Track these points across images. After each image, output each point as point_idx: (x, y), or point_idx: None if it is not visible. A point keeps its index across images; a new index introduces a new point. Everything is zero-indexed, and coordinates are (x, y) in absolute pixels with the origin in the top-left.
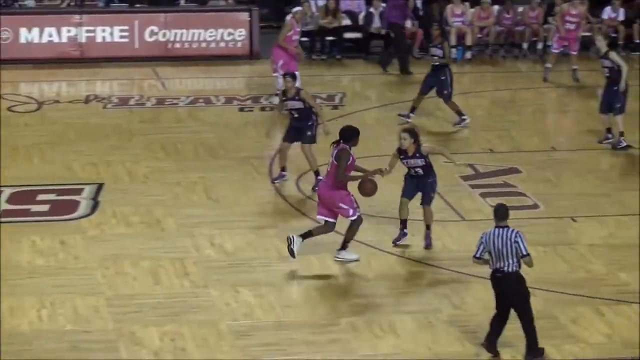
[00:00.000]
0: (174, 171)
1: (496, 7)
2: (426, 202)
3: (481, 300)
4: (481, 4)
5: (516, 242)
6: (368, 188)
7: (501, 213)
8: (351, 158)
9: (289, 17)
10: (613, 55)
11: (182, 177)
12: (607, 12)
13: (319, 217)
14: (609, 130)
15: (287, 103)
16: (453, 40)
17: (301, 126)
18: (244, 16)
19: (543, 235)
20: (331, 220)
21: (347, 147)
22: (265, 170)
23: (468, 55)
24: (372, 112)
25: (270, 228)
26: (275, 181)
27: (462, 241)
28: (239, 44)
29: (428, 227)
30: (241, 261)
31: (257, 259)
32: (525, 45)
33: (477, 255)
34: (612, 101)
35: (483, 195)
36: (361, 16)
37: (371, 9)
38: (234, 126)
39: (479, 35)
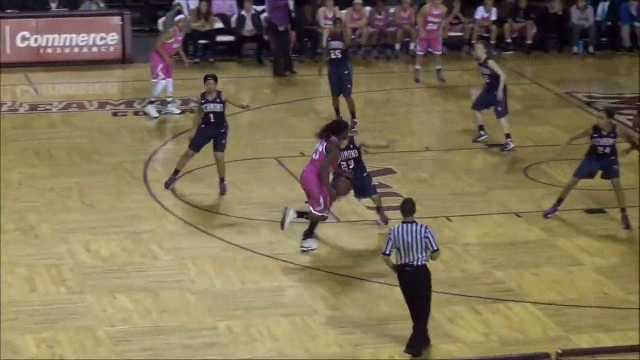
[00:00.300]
0: (48, 177)
1: (368, 9)
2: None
3: (357, 301)
4: (353, 6)
5: (426, 237)
6: (343, 187)
7: (408, 208)
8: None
9: (161, 21)
10: (492, 63)
11: (56, 183)
12: (479, 12)
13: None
14: (481, 127)
15: (207, 106)
16: (325, 42)
17: (215, 134)
18: (116, 20)
19: None
20: None
21: (337, 141)
22: (140, 175)
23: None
24: (246, 115)
25: (145, 233)
26: (169, 186)
27: (338, 243)
28: (112, 49)
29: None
30: (117, 267)
31: (133, 264)
32: (397, 46)
33: (387, 252)
34: (492, 103)
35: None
36: (234, 19)
37: (243, 12)
38: (107, 131)
39: (352, 37)
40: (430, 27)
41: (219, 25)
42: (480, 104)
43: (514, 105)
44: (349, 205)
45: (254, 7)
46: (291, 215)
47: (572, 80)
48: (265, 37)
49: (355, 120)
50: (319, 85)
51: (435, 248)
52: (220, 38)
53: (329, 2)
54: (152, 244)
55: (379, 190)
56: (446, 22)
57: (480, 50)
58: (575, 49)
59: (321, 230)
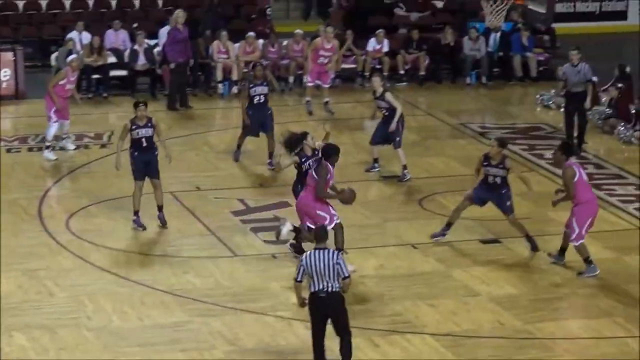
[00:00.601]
0: None
1: (261, 41)
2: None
3: (255, 335)
4: (246, 39)
5: (338, 263)
6: (348, 197)
7: (321, 235)
8: (330, 174)
9: (54, 57)
10: (389, 96)
11: None
12: (371, 44)
13: (305, 225)
14: (376, 160)
15: (139, 131)
16: (219, 75)
17: (150, 157)
18: (9, 56)
19: None
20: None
21: (327, 163)
22: (34, 212)
23: (235, 90)
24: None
25: (41, 270)
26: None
27: (234, 277)
28: (4, 84)
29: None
30: (13, 304)
31: (29, 301)
32: (291, 79)
33: (299, 279)
34: (389, 137)
35: (254, 230)
36: (126, 53)
37: (136, 46)
38: (1, 167)
39: (245, 70)
40: (321, 60)
41: (112, 59)
42: (378, 138)
43: (408, 137)
44: (245, 239)
45: (147, 41)
46: (287, 226)
47: (465, 110)
48: (159, 71)
49: (269, 160)
50: (213, 119)
51: (346, 274)
52: (113, 72)
53: (223, 35)
54: (48, 280)
55: (275, 225)
56: (339, 54)
57: (377, 83)
58: (468, 80)
59: (217, 264)
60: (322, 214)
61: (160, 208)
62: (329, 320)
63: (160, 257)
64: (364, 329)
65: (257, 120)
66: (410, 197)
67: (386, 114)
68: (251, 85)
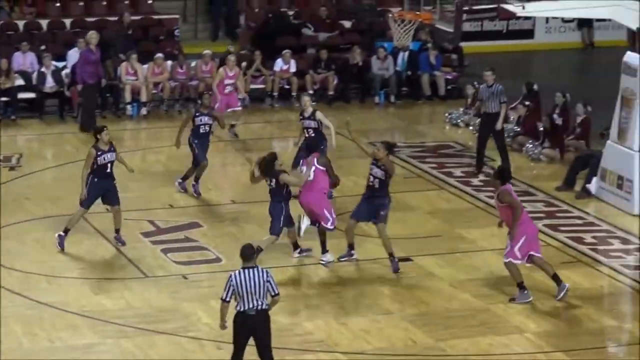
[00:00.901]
0: None
1: (169, 62)
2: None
3: (167, 356)
4: (155, 60)
5: (268, 281)
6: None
7: (248, 253)
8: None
9: None
10: (320, 114)
11: None
12: (278, 64)
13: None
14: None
15: (104, 156)
16: (128, 97)
17: (109, 185)
18: None
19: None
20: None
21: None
22: None
23: (144, 111)
24: (50, 172)
25: None
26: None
27: (145, 298)
28: None
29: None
30: None
31: None
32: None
33: (226, 299)
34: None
35: (165, 251)
36: (34, 76)
37: (43, 69)
38: None
39: (154, 91)
40: (228, 89)
41: (20, 82)
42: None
43: None
44: (156, 260)
45: (54, 63)
46: (305, 222)
47: (374, 129)
48: (67, 93)
49: (180, 180)
50: (122, 140)
51: (276, 292)
52: (22, 95)
53: (132, 57)
54: None
55: (186, 245)
56: (247, 76)
57: (308, 103)
58: (377, 99)
59: (128, 286)
60: (327, 215)
61: (117, 230)
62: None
63: (70, 279)
64: (276, 348)
65: (203, 149)
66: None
67: (312, 134)
68: (197, 114)
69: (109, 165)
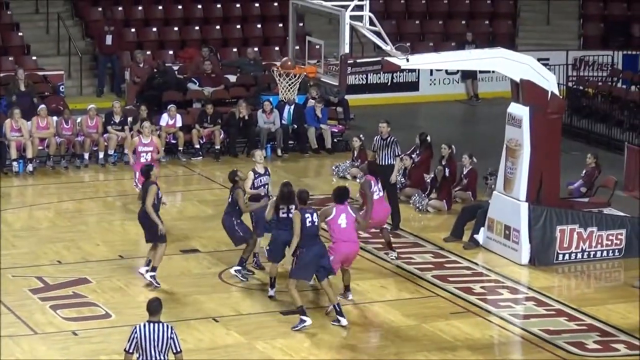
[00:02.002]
0: None
1: (55, 118)
2: None
3: None
4: (38, 113)
5: (172, 338)
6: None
7: (154, 308)
8: None
9: None
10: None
11: None
12: (164, 119)
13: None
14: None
15: None
16: (14, 154)
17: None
18: None
19: (118, 343)
20: None
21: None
22: None
23: (30, 168)
24: None
25: None
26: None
27: (35, 354)
28: None
29: None
30: None
31: None
32: (86, 155)
33: (129, 350)
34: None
35: (54, 307)
36: None
37: None
38: None
39: (40, 147)
40: (144, 157)
41: None
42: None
43: (206, 210)
44: (45, 317)
45: None
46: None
47: None
48: None
49: None
50: (9, 197)
51: (179, 349)
52: None
53: (16, 113)
54: None
55: (75, 302)
56: (133, 132)
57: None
58: (264, 153)
59: (17, 342)
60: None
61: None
62: None
63: None
64: None
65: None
66: (209, 270)
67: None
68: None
69: None
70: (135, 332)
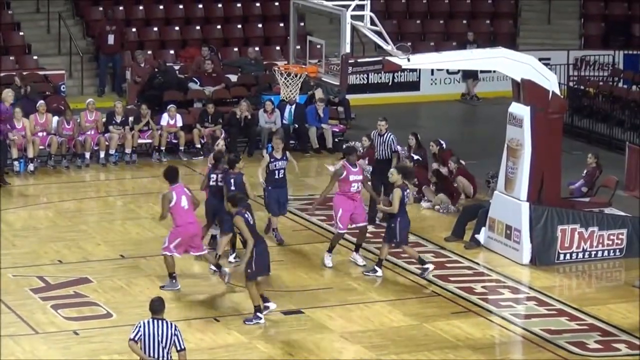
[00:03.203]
0: None
1: (56, 118)
2: None
3: None
4: (37, 109)
5: (175, 335)
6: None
7: (157, 306)
8: None
9: None
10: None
11: None
12: (164, 119)
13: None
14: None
15: None
16: (15, 153)
17: None
18: None
19: (119, 343)
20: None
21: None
22: None
23: (31, 167)
24: None
25: None
26: None
27: (36, 354)
28: None
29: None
30: None
31: None
32: (87, 155)
33: (134, 338)
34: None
35: (55, 307)
36: None
37: None
38: None
39: (41, 147)
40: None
41: None
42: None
43: None
44: (46, 316)
45: None
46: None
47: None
48: None
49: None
50: (10, 197)
51: (183, 346)
52: None
53: (17, 112)
54: None
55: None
56: (134, 131)
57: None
58: (265, 152)
59: (18, 342)
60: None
61: None
62: None
63: None
64: None
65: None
66: (210, 270)
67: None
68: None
69: None
70: (140, 326)
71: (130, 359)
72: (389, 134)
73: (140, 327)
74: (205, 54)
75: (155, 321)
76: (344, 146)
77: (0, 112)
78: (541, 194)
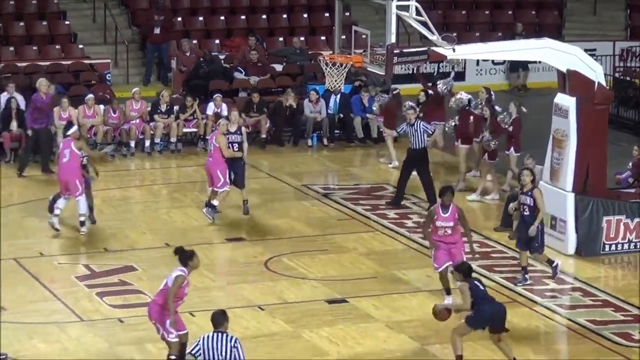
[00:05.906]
0: None
1: (102, 107)
2: None
3: None
4: (85, 102)
5: (235, 347)
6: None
7: (219, 319)
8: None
9: None
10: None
11: None
12: (210, 108)
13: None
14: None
15: None
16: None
17: None
18: None
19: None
20: None
21: None
22: None
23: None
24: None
25: None
26: None
27: (81, 342)
28: None
29: None
30: None
31: None
32: (132, 143)
33: (194, 353)
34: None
35: (100, 294)
36: None
37: None
38: None
39: (87, 136)
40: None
41: None
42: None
43: (251, 199)
44: (91, 304)
45: None
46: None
47: (307, 172)
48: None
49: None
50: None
51: (244, 358)
52: None
53: (64, 102)
54: None
55: (121, 289)
56: (180, 120)
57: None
58: (310, 142)
59: (63, 330)
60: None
61: None
62: None
63: (5, 323)
64: None
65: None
66: (255, 259)
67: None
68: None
69: None
70: (201, 340)
71: None
72: (419, 122)
73: (201, 341)
74: (251, 43)
75: (216, 334)
76: (441, 188)
77: (37, 102)
78: (587, 185)
